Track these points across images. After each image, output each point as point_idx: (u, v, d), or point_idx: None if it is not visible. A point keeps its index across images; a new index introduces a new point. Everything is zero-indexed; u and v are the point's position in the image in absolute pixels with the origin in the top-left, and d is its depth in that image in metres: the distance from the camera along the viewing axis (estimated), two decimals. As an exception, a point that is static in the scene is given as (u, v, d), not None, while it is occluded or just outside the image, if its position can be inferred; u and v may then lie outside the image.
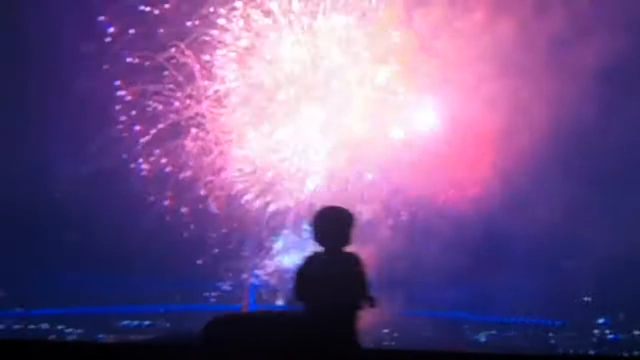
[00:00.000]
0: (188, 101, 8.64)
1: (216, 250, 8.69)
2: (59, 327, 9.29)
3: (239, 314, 5.29)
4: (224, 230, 8.68)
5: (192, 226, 8.61)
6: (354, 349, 4.84)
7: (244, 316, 5.18)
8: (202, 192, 8.68)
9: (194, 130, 8.85)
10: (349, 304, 4.81)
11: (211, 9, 8.43)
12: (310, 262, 4.87)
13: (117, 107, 8.27)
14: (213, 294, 9.28)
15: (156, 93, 8.48)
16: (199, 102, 8.79)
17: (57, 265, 9.09)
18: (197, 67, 8.67)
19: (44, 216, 8.94)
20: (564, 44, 8.44)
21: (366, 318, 8.98)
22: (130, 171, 8.49)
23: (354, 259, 4.83)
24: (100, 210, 8.85)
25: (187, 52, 8.64)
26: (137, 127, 8.39)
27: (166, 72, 8.42)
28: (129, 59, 8.22)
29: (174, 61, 8.45)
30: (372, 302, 4.85)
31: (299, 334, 4.58)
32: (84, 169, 8.46)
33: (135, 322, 9.29)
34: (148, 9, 8.25)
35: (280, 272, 9.09)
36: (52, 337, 9.16)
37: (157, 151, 8.49)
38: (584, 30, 8.28)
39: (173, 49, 8.37)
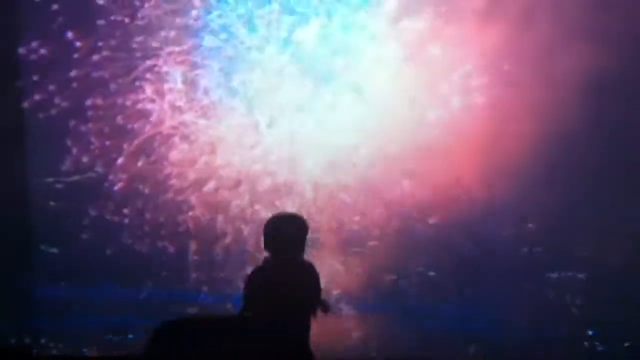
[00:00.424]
0: (170, 112, 8.56)
1: (195, 275, 8.71)
2: (42, 340, 9.18)
3: (188, 318, 5.16)
4: (206, 257, 8.67)
5: (171, 249, 8.59)
6: (305, 355, 4.76)
7: (192, 320, 5.05)
8: (185, 209, 8.62)
9: (176, 141, 8.76)
10: (301, 309, 4.73)
11: (191, 20, 8.38)
12: (261, 270, 4.76)
13: (91, 123, 8.26)
14: (196, 307, 9.18)
15: (134, 104, 8.44)
16: (181, 112, 8.70)
17: (37, 278, 9.02)
18: (177, 75, 8.58)
19: (23, 228, 8.87)
20: (554, 52, 8.36)
21: (353, 331, 8.94)
22: (105, 188, 8.47)
23: (306, 267, 4.74)
24: (80, 223, 8.79)
25: (169, 61, 8.55)
26: (113, 142, 8.38)
27: (139, 83, 8.37)
28: (100, 73, 8.20)
29: (150, 74, 8.40)
30: (325, 307, 4.78)
31: (248, 339, 4.46)
32: (60, 182, 8.45)
33: (120, 336, 9.18)
34: (120, 19, 8.21)
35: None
36: (35, 351, 9.07)
37: (133, 167, 8.46)
38: (573, 39, 8.20)
39: (148, 61, 8.32)
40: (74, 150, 8.64)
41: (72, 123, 8.58)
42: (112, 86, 8.54)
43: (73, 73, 8.41)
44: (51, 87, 8.45)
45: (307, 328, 4.76)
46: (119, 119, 8.59)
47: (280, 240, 4.77)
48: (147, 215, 8.75)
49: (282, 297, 4.64)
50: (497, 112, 8.64)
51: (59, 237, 8.93)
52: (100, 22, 8.41)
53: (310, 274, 4.77)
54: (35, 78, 8.48)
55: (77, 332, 9.07)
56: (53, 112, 8.57)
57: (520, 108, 8.52)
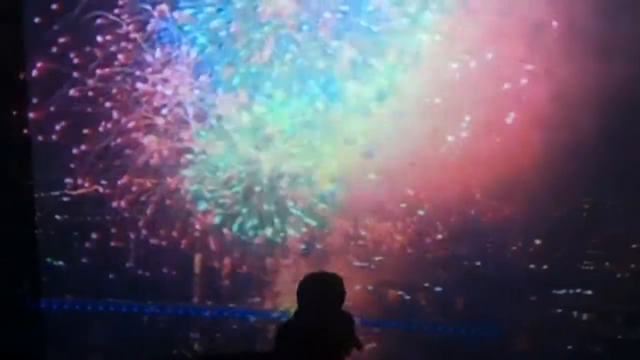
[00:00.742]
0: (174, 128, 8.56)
1: (199, 290, 8.72)
2: (47, 352, 9.16)
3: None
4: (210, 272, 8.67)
5: (173, 272, 8.57)
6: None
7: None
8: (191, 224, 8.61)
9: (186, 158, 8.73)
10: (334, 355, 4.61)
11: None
12: (291, 326, 4.63)
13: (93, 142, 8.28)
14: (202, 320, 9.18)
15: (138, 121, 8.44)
16: (187, 128, 8.68)
17: (43, 291, 9.01)
18: (185, 91, 8.57)
19: (29, 242, 8.85)
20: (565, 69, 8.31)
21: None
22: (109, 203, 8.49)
23: (338, 320, 4.59)
24: (89, 239, 8.79)
25: (174, 74, 8.54)
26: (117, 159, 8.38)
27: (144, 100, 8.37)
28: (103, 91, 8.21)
29: (153, 91, 8.41)
30: (358, 346, 4.68)
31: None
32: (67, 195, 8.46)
33: (126, 347, 9.18)
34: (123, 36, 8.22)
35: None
36: (40, 362, 9.05)
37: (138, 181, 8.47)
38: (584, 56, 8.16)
39: (152, 77, 8.33)
40: (79, 167, 8.63)
41: (75, 140, 8.55)
42: (115, 104, 8.52)
43: (74, 92, 8.40)
44: (55, 106, 8.43)
45: None
46: (124, 136, 8.57)
47: (314, 304, 4.60)
48: (152, 230, 8.74)
49: (314, 350, 4.51)
50: (506, 131, 8.59)
51: (65, 250, 8.93)
52: (101, 41, 8.37)
53: (344, 326, 4.60)
54: (38, 98, 8.44)
55: (83, 344, 9.07)
56: (57, 129, 8.55)
57: (529, 125, 8.49)
